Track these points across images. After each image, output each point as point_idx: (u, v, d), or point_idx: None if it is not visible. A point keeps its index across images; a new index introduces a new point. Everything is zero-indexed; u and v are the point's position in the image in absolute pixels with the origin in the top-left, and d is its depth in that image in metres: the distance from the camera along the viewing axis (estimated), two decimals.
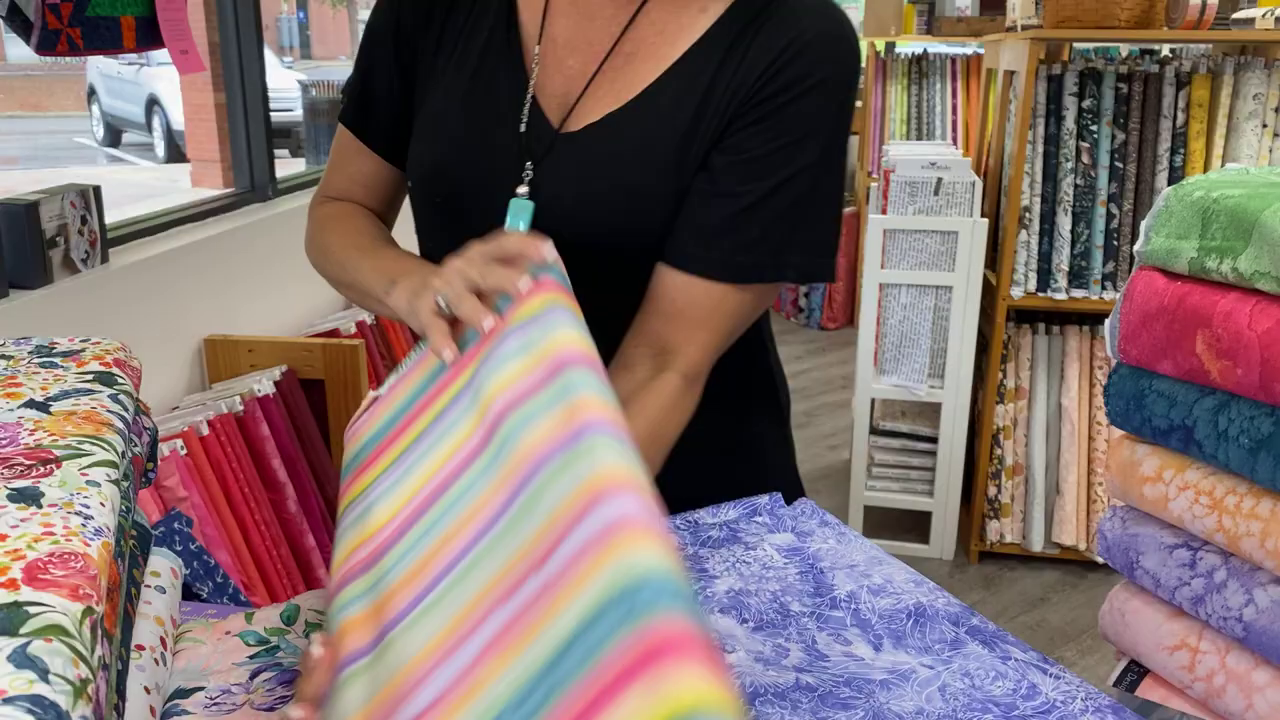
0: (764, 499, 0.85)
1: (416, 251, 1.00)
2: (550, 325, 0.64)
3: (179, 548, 1.38)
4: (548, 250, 0.73)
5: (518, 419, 0.57)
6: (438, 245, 0.97)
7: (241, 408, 2.01)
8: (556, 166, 0.89)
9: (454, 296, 0.74)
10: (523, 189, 0.89)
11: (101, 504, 0.56)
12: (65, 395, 0.67)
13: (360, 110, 1.02)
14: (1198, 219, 0.74)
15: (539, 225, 0.87)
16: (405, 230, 1.04)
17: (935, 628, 0.68)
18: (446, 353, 0.72)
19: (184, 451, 1.80)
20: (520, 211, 0.88)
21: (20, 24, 1.63)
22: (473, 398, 0.65)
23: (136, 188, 8.01)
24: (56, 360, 0.73)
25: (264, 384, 2.08)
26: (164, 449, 1.75)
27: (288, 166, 4.38)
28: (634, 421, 0.72)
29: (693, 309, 0.85)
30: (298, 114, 8.41)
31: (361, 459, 0.74)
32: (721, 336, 0.87)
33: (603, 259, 0.88)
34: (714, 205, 0.85)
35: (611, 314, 0.91)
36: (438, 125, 0.95)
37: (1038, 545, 2.96)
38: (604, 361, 0.65)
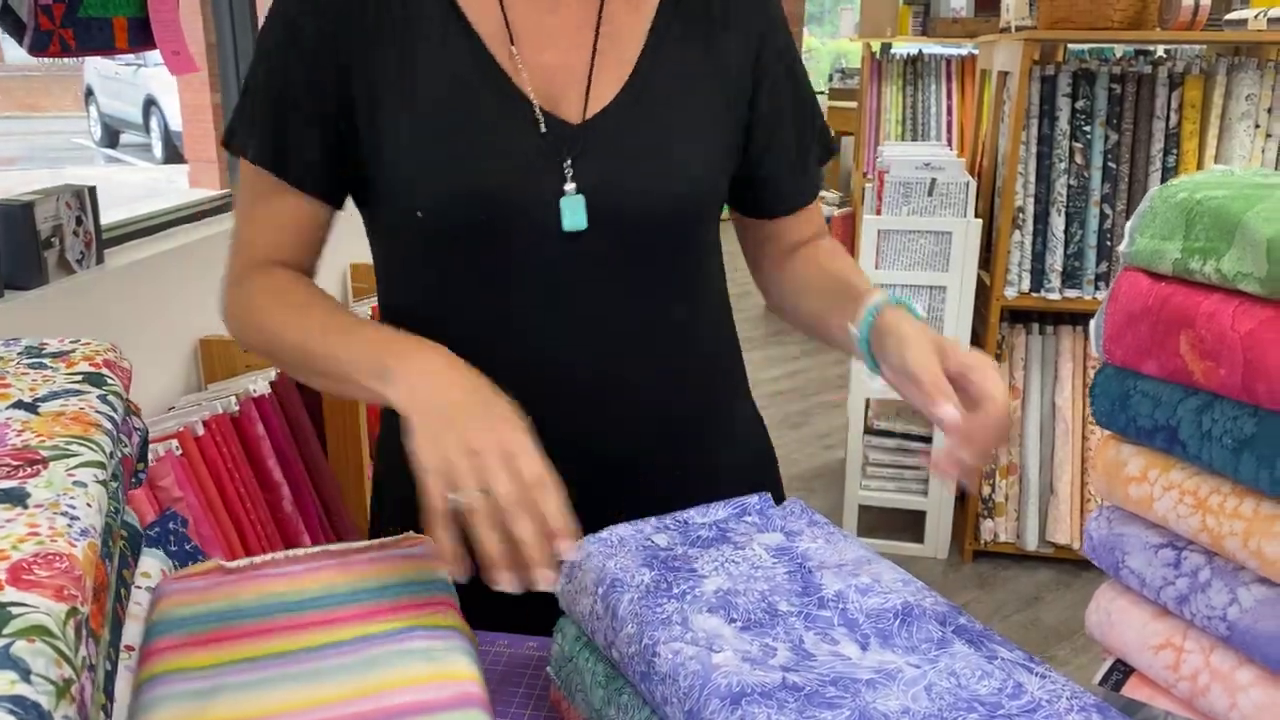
0: (753, 499, 0.85)
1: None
2: (455, 652, 0.68)
3: (174, 547, 1.38)
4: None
5: None
6: (454, 276, 0.92)
7: (237, 408, 2.01)
8: (592, 158, 0.90)
9: (487, 519, 0.69)
10: (570, 185, 0.89)
11: (88, 505, 0.56)
12: (54, 396, 0.67)
13: (278, 147, 0.90)
14: (1181, 220, 0.74)
15: (593, 217, 0.89)
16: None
17: (922, 627, 0.68)
18: (461, 570, 0.70)
19: (179, 452, 1.81)
20: (574, 208, 0.88)
21: (13, 24, 1.64)
22: (360, 665, 0.65)
23: (134, 188, 8.00)
24: (45, 361, 0.73)
25: (259, 384, 2.08)
26: (159, 449, 1.75)
27: None
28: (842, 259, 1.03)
29: (808, 222, 1.07)
30: None
31: (207, 629, 0.69)
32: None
33: (653, 235, 0.93)
34: (785, 142, 1.01)
35: (657, 292, 0.95)
36: (438, 154, 0.88)
37: (1032, 544, 2.96)
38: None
